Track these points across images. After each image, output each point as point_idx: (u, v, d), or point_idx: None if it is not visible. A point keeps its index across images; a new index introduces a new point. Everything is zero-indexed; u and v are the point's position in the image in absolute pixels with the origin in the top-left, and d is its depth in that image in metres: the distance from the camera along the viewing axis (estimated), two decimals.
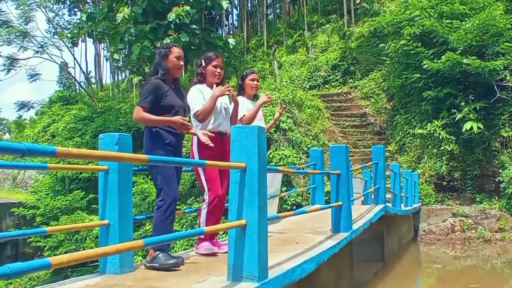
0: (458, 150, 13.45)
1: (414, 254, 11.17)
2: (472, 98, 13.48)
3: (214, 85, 4.35)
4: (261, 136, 3.19)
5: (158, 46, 14.91)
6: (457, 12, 14.42)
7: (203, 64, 4.47)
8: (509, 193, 12.46)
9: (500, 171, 12.96)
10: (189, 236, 4.18)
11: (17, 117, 43.95)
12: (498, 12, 13.16)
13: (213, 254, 4.25)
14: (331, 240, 4.99)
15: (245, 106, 5.02)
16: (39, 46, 36.44)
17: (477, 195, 13.11)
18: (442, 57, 13.36)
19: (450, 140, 13.44)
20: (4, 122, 57.10)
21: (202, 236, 4.31)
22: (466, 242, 11.84)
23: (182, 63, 4.05)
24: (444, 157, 13.45)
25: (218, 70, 4.44)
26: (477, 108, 13.22)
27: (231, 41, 18.75)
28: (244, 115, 4.96)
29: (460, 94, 13.72)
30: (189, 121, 3.95)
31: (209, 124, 4.36)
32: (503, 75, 13.30)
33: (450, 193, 13.52)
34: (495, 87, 13.33)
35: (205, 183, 4.31)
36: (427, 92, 14.11)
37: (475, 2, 14.48)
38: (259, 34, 33.64)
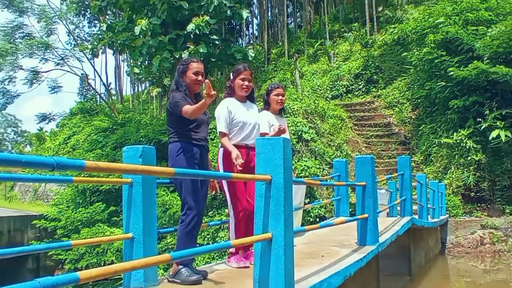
0: (485, 160, 13.26)
1: (442, 268, 11.01)
2: (499, 106, 13.30)
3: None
4: (286, 148, 3.18)
5: (178, 58, 14.83)
6: (482, 19, 14.32)
7: (231, 77, 4.58)
8: None
9: None
10: (215, 250, 4.20)
11: (38, 129, 44.58)
12: None
13: (245, 267, 4.26)
14: (357, 253, 4.95)
15: (268, 121, 5.09)
16: (60, 58, 37.04)
17: (507, 207, 12.86)
18: (469, 65, 13.22)
19: (477, 150, 13.27)
20: (25, 134, 58.19)
21: (233, 250, 4.37)
22: (496, 255, 11.62)
23: (200, 78, 4.03)
24: (471, 167, 13.27)
25: (246, 83, 4.51)
26: (505, 116, 13.04)
27: (251, 52, 18.76)
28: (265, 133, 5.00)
29: (487, 102, 13.57)
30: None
31: (237, 138, 4.42)
32: None
33: (479, 205, 13.31)
34: None
35: (229, 197, 4.36)
36: (453, 101, 13.97)
37: (501, 8, 14.37)
38: (280, 43, 33.75)
